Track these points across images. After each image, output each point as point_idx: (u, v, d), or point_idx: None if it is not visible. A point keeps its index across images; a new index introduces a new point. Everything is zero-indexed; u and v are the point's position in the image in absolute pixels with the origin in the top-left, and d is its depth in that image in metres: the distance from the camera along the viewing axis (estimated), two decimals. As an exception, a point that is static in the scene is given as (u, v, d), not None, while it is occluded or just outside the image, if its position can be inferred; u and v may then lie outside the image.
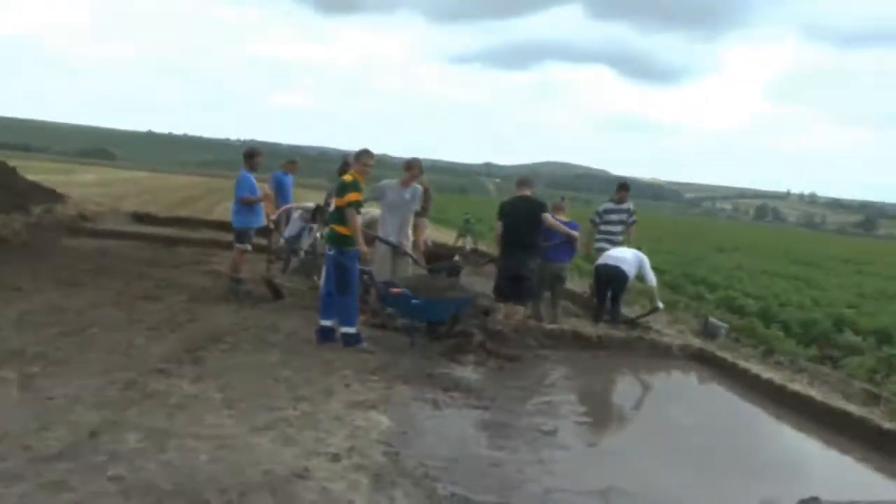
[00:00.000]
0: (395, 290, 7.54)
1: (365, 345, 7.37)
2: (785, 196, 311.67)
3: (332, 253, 7.39)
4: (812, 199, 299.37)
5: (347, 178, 7.48)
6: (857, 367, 7.89)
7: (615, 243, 10.09)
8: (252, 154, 10.26)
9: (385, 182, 8.99)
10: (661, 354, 8.63)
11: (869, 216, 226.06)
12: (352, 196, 7.31)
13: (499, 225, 8.95)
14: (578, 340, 8.44)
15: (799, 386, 7.20)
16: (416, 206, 9.00)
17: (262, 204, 10.34)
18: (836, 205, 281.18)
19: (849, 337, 8.94)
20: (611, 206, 10.67)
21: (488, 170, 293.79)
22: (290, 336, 7.64)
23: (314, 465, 4.34)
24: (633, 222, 10.65)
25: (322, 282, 7.82)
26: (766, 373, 7.68)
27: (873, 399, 7.06)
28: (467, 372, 7.06)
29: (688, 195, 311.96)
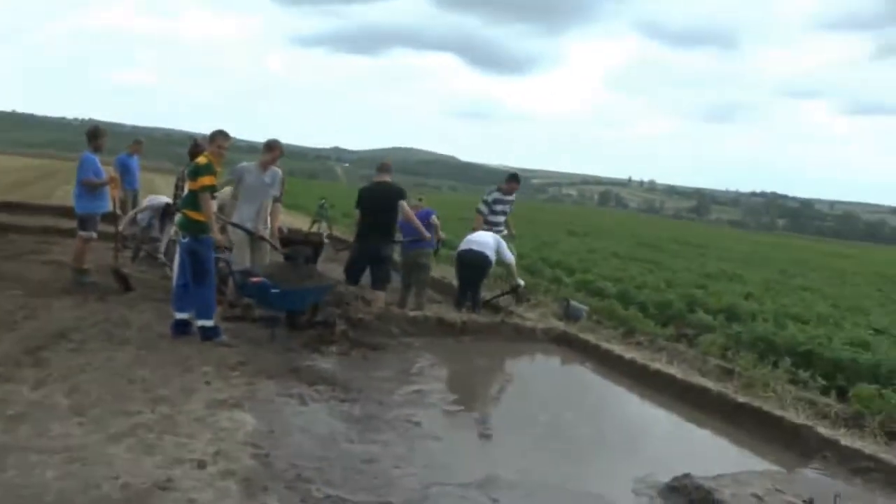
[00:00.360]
0: (255, 279, 7.18)
1: (224, 338, 7.00)
2: (626, 183, 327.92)
3: (185, 240, 6.98)
4: (651, 186, 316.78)
5: (201, 160, 7.06)
6: (710, 345, 8.30)
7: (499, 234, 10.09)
8: (96, 134, 9.56)
9: (243, 165, 8.59)
10: (525, 338, 8.76)
11: (702, 202, 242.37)
12: (206, 180, 6.90)
13: (357, 212, 8.74)
14: (442, 326, 8.39)
15: (660, 365, 7.48)
16: (276, 191, 8.64)
17: (108, 188, 9.62)
18: (673, 191, 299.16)
19: (701, 316, 9.38)
20: (499, 195, 10.50)
21: (337, 154, 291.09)
22: (143, 331, 7.15)
23: (178, 475, 4.03)
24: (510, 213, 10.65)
25: (175, 272, 7.32)
26: (629, 353, 7.95)
27: (727, 374, 7.42)
28: (331, 363, 6.84)
29: (534, 181, 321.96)
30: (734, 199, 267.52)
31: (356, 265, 8.66)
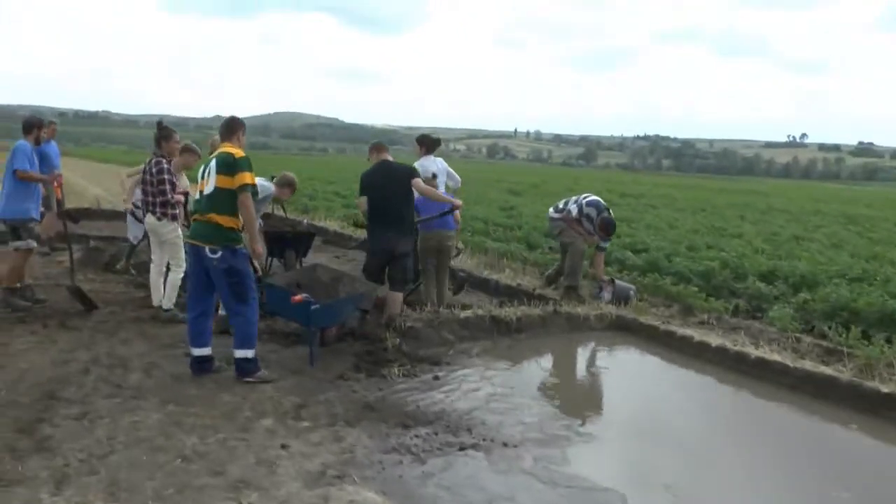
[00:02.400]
0: (297, 297, 5.69)
1: (264, 372, 5.50)
2: (513, 135, 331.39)
3: (217, 255, 5.35)
4: (538, 136, 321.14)
5: (236, 152, 5.48)
6: (784, 319, 7.33)
7: None
8: (37, 124, 7.62)
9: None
10: (580, 327, 7.63)
11: (589, 148, 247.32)
12: (247, 177, 5.37)
13: (362, 201, 7.20)
14: (496, 324, 7.12)
15: (762, 351, 6.49)
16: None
17: (40, 188, 7.78)
18: (560, 140, 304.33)
19: (753, 284, 8.41)
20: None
21: (219, 122, 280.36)
22: (151, 372, 5.56)
23: None
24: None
25: (188, 298, 5.71)
26: (710, 338, 6.93)
27: (829, 355, 6.52)
28: (406, 391, 5.48)
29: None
30: (620, 144, 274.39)
31: (373, 265, 7.14)
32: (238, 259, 5.38)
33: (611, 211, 8.86)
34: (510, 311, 7.27)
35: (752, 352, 6.51)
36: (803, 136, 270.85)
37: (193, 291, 5.57)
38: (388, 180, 7.06)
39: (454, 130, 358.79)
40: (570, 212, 8.80)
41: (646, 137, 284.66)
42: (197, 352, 5.52)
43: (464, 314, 6.99)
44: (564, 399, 5.71)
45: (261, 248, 5.65)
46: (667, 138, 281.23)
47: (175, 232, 7.17)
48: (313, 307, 5.73)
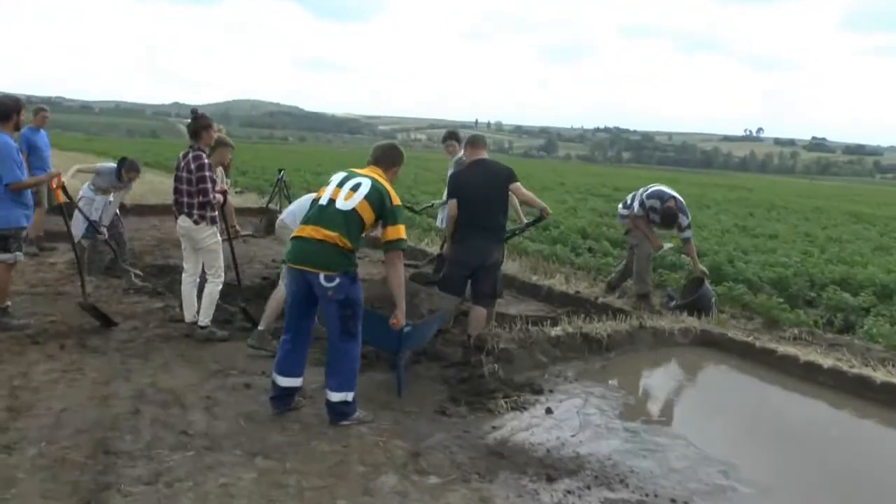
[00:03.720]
0: (397, 321, 4.71)
1: (361, 413, 4.58)
2: (474, 126, 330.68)
3: (333, 283, 4.35)
4: (499, 127, 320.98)
5: (394, 195, 4.53)
6: (888, 335, 6.64)
7: None
8: (15, 108, 6.34)
9: None
10: (665, 343, 6.85)
11: (550, 140, 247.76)
12: (402, 231, 4.54)
13: (452, 203, 6.22)
14: (587, 343, 6.30)
15: (882, 373, 5.79)
16: None
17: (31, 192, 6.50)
18: (521, 131, 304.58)
19: (835, 295, 7.71)
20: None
21: (177, 110, 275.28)
22: (215, 411, 4.60)
23: None
24: None
25: (286, 323, 4.68)
26: (815, 357, 6.21)
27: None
28: (524, 430, 4.64)
29: (382, 128, 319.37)
30: (580, 136, 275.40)
31: (457, 276, 6.16)
32: (355, 289, 4.44)
33: (679, 199, 7.99)
34: (600, 328, 6.44)
35: (877, 375, 5.78)
36: (759, 130, 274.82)
37: (292, 313, 4.59)
38: (487, 182, 6.15)
39: (415, 120, 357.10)
40: (633, 209, 8.01)
41: (606, 130, 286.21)
42: (285, 381, 4.57)
43: (554, 332, 6.14)
44: (700, 435, 4.88)
45: (403, 318, 4.64)
46: (627, 131, 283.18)
47: (214, 237, 6.20)
48: (406, 328, 4.84)
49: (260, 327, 6.02)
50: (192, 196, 6.09)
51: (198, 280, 6.37)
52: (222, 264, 6.28)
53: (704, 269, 8.09)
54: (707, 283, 7.78)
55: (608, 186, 27.04)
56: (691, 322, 7.14)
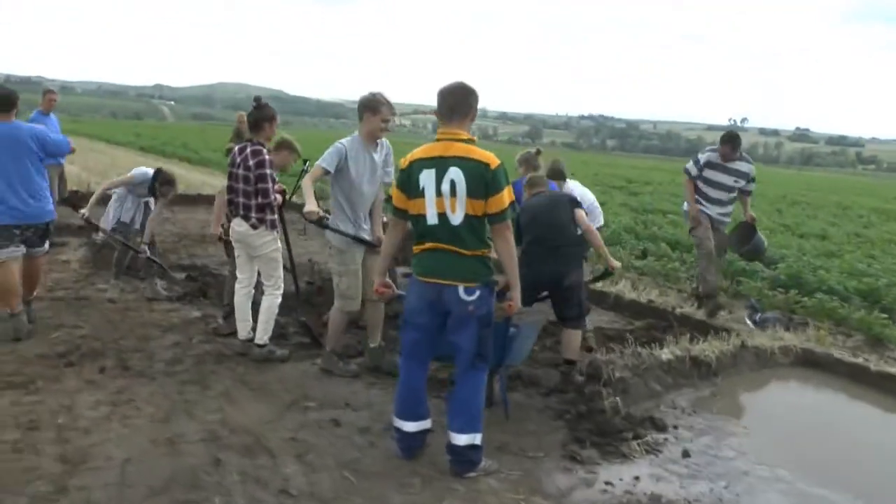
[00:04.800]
0: (511, 304, 3.82)
1: (487, 461, 3.85)
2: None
3: (473, 296, 3.62)
4: (483, 113, 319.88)
5: (487, 157, 3.63)
6: None
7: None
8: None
9: (343, 143, 5.06)
10: (767, 363, 6.17)
11: (534, 127, 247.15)
12: (506, 197, 3.63)
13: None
14: (696, 367, 5.60)
15: None
16: (389, 177, 5.28)
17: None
18: (505, 118, 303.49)
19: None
20: (714, 157, 7.34)
21: (160, 92, 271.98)
22: (308, 459, 3.86)
23: None
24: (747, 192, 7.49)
25: (404, 352, 3.90)
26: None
27: None
28: (664, 480, 3.95)
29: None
30: (565, 123, 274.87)
31: (524, 300, 5.40)
32: (493, 302, 3.72)
33: (737, 137, 7.38)
34: (707, 350, 5.74)
35: None
36: (744, 119, 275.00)
37: (416, 345, 3.83)
38: (546, 209, 5.50)
39: (400, 105, 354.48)
40: (687, 173, 7.48)
41: (591, 117, 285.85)
42: (413, 426, 3.83)
43: (665, 356, 5.43)
44: (863, 484, 4.21)
45: (519, 301, 3.82)
46: (611, 118, 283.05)
47: (275, 244, 5.42)
48: (512, 332, 4.16)
49: (326, 348, 5.28)
50: (250, 197, 5.31)
51: (252, 291, 5.61)
52: (282, 274, 5.51)
53: (753, 214, 7.69)
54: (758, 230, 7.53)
55: (619, 177, 26.31)
56: (790, 339, 6.46)
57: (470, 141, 3.70)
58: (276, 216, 5.40)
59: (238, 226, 5.38)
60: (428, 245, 3.69)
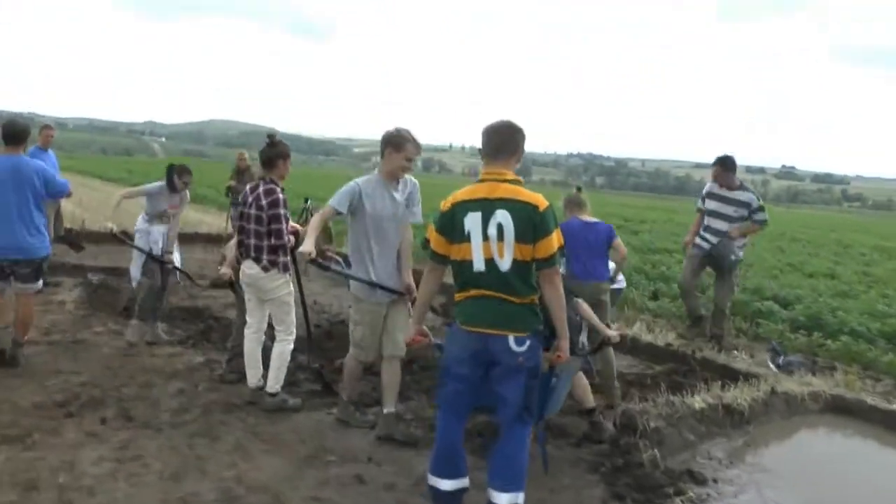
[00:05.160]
0: (560, 355, 3.57)
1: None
2: (448, 149, 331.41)
3: (524, 346, 3.36)
4: (473, 152, 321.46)
5: (536, 199, 3.39)
6: None
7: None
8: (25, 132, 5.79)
9: (359, 182, 4.73)
10: (797, 410, 5.91)
11: (524, 164, 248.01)
12: (555, 241, 3.39)
13: None
14: (729, 415, 5.35)
15: None
16: (417, 216, 4.92)
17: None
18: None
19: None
20: (713, 186, 7.50)
21: (151, 128, 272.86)
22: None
23: None
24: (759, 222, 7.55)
25: (443, 405, 3.61)
26: None
27: None
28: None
29: (357, 150, 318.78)
30: (554, 161, 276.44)
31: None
32: (541, 352, 3.48)
33: (728, 158, 7.44)
34: (738, 397, 5.49)
35: None
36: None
37: (456, 397, 3.54)
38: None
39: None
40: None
41: (580, 155, 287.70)
42: (450, 485, 3.53)
43: (697, 405, 5.17)
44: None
45: (567, 352, 3.58)
46: (600, 157, 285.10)
47: (287, 287, 5.16)
48: (554, 381, 3.92)
49: (343, 397, 5.00)
50: (262, 238, 5.06)
51: (263, 337, 5.34)
52: (294, 319, 5.25)
53: (737, 231, 7.39)
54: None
55: (614, 216, 26.16)
56: (819, 385, 6.22)
57: (516, 182, 3.46)
58: (288, 258, 5.15)
59: (249, 268, 5.13)
60: (473, 292, 3.43)
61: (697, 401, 5.20)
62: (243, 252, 5.18)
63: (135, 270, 7.06)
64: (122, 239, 7.03)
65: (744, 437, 5.29)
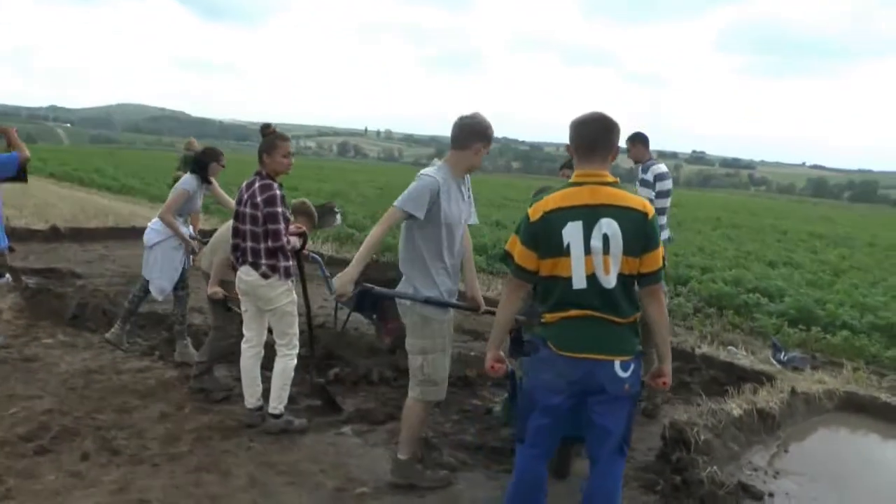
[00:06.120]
0: (665, 380, 3.13)
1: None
2: (363, 133, 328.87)
3: (628, 371, 2.93)
4: (388, 136, 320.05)
5: (643, 205, 2.96)
6: None
7: None
8: None
9: (431, 173, 3.82)
10: (817, 410, 5.72)
11: (439, 149, 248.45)
12: (660, 254, 2.99)
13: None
14: (762, 420, 5.09)
15: None
16: (473, 217, 4.16)
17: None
18: (411, 140, 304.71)
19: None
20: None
21: (55, 113, 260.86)
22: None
23: None
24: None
25: (528, 441, 3.09)
26: None
27: None
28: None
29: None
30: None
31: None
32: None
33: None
34: (770, 400, 5.23)
35: None
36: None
37: (545, 432, 3.06)
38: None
39: (304, 127, 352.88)
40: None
41: (495, 139, 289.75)
42: None
43: (735, 412, 4.87)
44: None
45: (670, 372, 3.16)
46: (516, 141, 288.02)
47: (290, 296, 4.61)
48: None
49: (401, 456, 3.99)
50: (259, 240, 4.49)
51: (262, 352, 4.77)
52: (297, 331, 4.70)
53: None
54: None
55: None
56: (832, 382, 6.05)
57: (616, 184, 3.03)
58: (290, 263, 4.60)
59: (246, 275, 4.55)
60: (573, 313, 2.94)
61: (734, 407, 4.91)
62: (239, 257, 4.60)
63: (167, 282, 6.03)
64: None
65: (776, 442, 5.05)
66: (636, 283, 2.98)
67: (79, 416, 4.67)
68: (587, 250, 2.90)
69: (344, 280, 3.68)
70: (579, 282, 2.90)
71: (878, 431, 5.58)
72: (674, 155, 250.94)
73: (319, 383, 5.12)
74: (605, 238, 2.89)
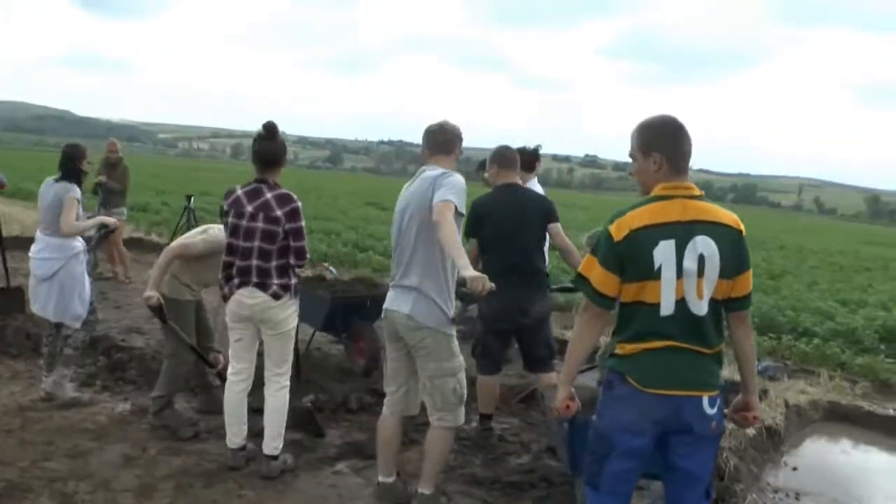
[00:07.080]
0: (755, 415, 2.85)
1: None
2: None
3: (715, 408, 2.59)
4: (283, 138, 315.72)
5: (737, 221, 2.63)
6: None
7: None
8: None
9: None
10: (801, 419, 5.65)
11: (335, 151, 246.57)
12: (750, 277, 2.70)
13: (473, 241, 4.67)
14: (770, 438, 4.95)
15: None
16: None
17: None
18: (306, 142, 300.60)
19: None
20: None
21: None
22: None
23: None
24: None
25: (605, 488, 2.65)
26: None
27: None
28: None
29: (162, 136, 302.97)
30: (365, 148, 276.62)
31: (492, 339, 4.69)
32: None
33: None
34: (773, 415, 5.08)
35: None
36: (538, 146, 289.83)
37: (626, 477, 2.69)
38: (513, 214, 4.57)
39: (197, 129, 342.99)
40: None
41: (390, 142, 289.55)
42: None
43: (749, 430, 4.66)
44: None
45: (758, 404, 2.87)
46: (410, 144, 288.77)
47: (296, 318, 4.11)
48: None
49: (424, 490, 3.65)
50: (269, 258, 3.93)
51: (250, 384, 4.21)
52: (291, 358, 4.20)
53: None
54: None
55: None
56: (814, 392, 6.00)
57: (702, 197, 2.69)
58: (296, 280, 4.09)
59: (250, 298, 3.95)
60: (658, 344, 2.57)
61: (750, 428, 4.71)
62: (239, 278, 4.01)
63: (80, 307, 5.14)
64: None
65: (782, 458, 4.91)
66: (726, 308, 2.67)
67: (24, 465, 3.99)
68: (679, 273, 2.55)
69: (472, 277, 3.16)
70: (667, 308, 2.54)
71: (872, 443, 5.53)
72: (566, 158, 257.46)
73: (307, 408, 4.61)
74: (701, 259, 2.54)
